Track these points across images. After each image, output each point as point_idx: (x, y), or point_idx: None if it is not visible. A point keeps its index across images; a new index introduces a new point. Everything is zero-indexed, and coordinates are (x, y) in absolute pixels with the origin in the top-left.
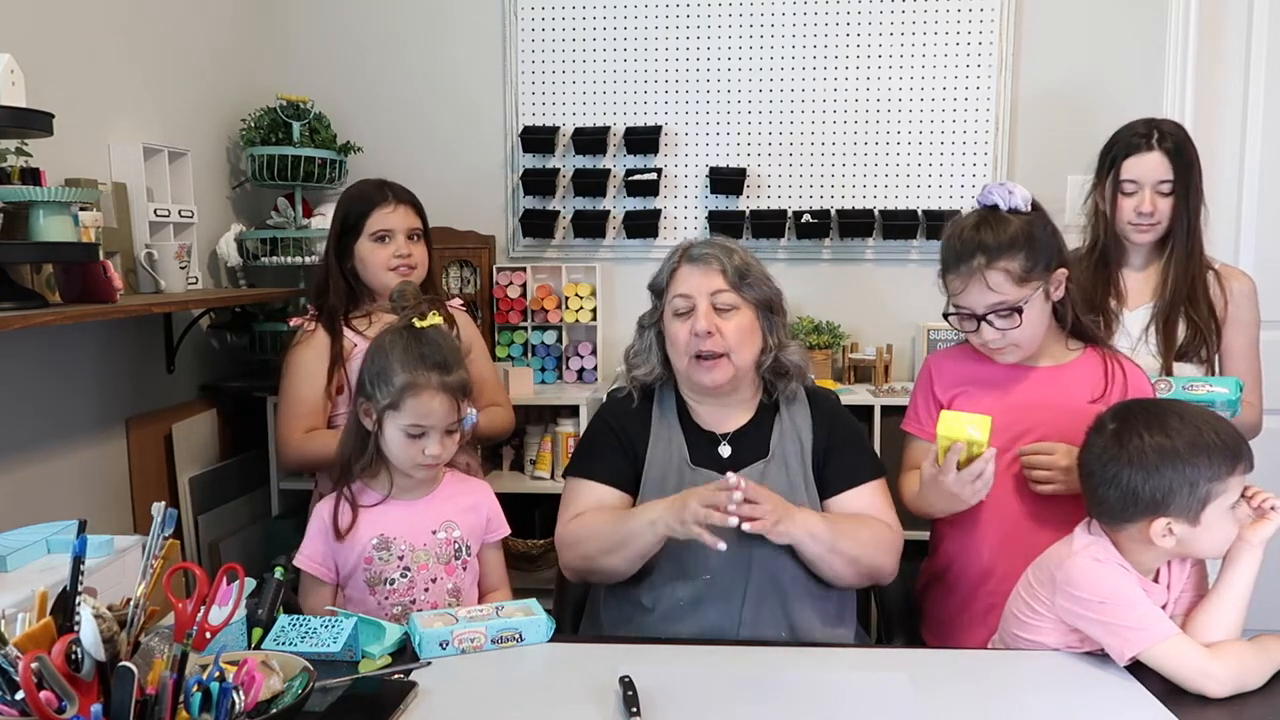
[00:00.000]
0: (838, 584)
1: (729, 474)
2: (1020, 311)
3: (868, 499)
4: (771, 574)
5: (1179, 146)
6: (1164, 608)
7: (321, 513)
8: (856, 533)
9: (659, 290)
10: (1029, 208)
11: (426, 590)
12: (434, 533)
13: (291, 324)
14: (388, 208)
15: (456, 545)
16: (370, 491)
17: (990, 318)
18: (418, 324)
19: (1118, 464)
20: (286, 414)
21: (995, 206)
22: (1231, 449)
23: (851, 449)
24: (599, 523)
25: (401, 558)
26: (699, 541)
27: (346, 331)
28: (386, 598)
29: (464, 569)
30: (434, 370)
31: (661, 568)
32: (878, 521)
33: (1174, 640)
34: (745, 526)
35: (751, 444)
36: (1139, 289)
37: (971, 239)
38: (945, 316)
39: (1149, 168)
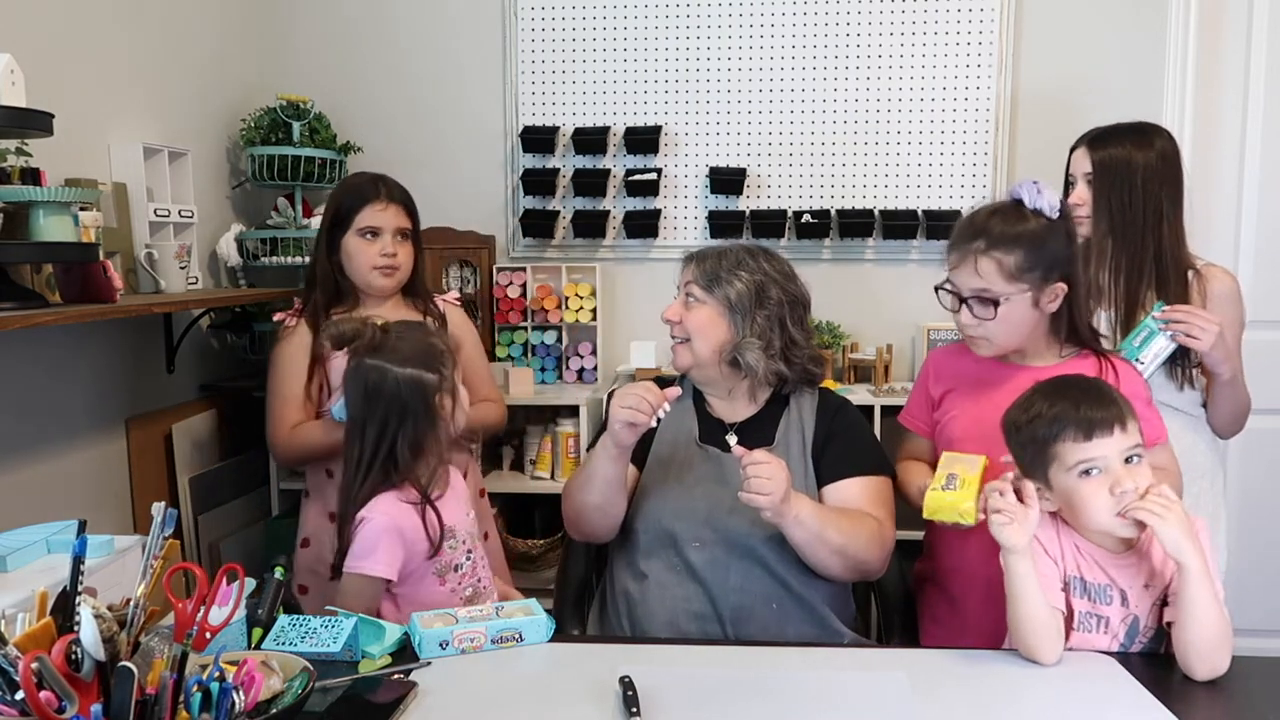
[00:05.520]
0: (826, 574)
1: (735, 446)
2: (997, 305)
3: (858, 490)
4: (756, 539)
5: (1102, 139)
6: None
7: (407, 524)
8: (840, 523)
9: None
10: (1054, 214)
11: (484, 567)
12: (468, 514)
13: (276, 319)
14: (379, 205)
15: (476, 522)
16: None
17: (970, 302)
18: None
19: (1005, 431)
20: (273, 410)
21: (1020, 201)
22: (1073, 418)
23: (850, 442)
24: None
25: (464, 542)
26: (689, 511)
27: None
28: (459, 583)
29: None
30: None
31: (656, 536)
32: (865, 514)
33: None
34: (743, 497)
35: (758, 433)
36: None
37: (981, 223)
38: (936, 289)
39: (1076, 161)
